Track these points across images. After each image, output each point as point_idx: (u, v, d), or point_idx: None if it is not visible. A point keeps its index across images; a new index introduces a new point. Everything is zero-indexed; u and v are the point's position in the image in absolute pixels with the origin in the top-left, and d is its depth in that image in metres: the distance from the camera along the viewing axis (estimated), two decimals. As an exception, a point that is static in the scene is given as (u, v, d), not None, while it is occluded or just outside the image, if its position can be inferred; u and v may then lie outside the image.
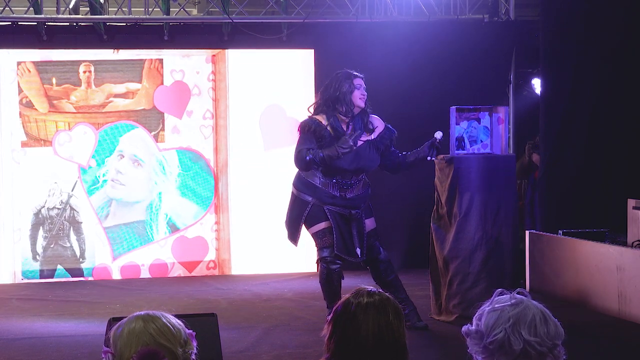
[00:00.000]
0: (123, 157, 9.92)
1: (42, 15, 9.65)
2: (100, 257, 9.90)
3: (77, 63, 9.86)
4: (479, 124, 7.62)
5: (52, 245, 9.82)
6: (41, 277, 9.76)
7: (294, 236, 7.14)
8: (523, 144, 11.66)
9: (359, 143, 6.87)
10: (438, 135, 7.08)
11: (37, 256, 9.79)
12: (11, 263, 9.73)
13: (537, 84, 11.04)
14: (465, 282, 7.38)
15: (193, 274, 10.05)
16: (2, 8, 9.62)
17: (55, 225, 9.81)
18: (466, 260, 7.37)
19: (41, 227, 9.81)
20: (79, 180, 9.84)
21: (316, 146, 6.84)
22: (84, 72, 9.85)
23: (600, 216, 8.97)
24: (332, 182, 6.93)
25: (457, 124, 7.55)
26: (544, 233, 8.92)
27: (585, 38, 9.29)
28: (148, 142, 9.98)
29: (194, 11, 12.34)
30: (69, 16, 9.83)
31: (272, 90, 10.14)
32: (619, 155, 9.19)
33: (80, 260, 9.87)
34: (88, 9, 9.85)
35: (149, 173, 9.99)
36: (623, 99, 9.19)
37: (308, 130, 6.89)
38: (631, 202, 7.91)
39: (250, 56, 10.13)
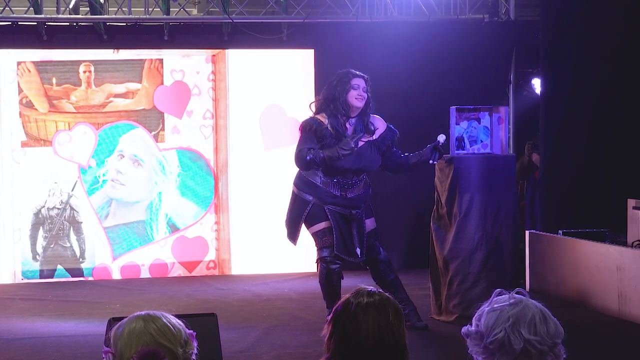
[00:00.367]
0: (123, 157, 9.92)
1: (42, 15, 9.65)
2: (100, 257, 9.90)
3: (77, 63, 9.86)
4: (479, 124, 7.62)
5: (52, 245, 9.82)
6: (41, 277, 9.76)
7: (293, 235, 7.14)
8: (523, 144, 11.65)
9: (360, 144, 6.87)
10: (441, 138, 7.06)
11: (37, 256, 9.79)
12: (11, 263, 9.73)
13: (537, 84, 11.04)
14: (465, 282, 7.38)
15: (193, 274, 10.05)
16: (2, 8, 9.62)
17: (55, 225, 9.81)
18: (466, 260, 7.37)
19: (41, 227, 9.81)
20: (79, 180, 9.84)
21: (317, 146, 6.84)
22: (84, 72, 9.85)
23: (600, 216, 8.97)
24: (333, 182, 6.93)
25: (457, 124, 7.55)
26: (544, 233, 8.92)
27: (585, 38, 9.29)
28: (148, 142, 9.98)
29: (194, 11, 12.34)
30: (69, 16, 9.83)
31: (272, 90, 10.14)
32: (619, 155, 9.19)
33: (80, 260, 9.87)
34: (88, 9, 9.85)
35: (149, 173, 9.99)
36: (623, 99, 9.19)
37: (309, 130, 6.89)
38: (631, 202, 7.91)
39: (250, 56, 10.13)
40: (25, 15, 9.73)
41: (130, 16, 9.88)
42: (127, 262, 9.93)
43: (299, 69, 10.20)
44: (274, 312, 7.97)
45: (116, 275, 9.91)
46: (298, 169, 7.02)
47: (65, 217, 9.83)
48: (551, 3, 9.63)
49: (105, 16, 9.86)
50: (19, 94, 9.74)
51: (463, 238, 7.38)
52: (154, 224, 9.98)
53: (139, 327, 2.61)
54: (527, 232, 9.08)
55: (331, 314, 2.83)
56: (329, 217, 6.91)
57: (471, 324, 2.56)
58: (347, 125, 6.93)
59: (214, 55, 10.11)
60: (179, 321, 2.68)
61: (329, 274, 6.91)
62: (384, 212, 8.96)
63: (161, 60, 10.00)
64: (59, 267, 9.81)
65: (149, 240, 9.99)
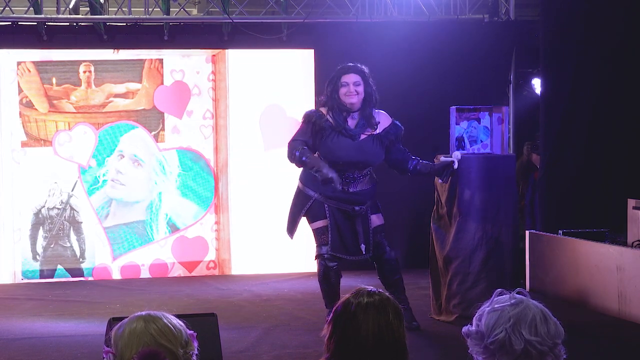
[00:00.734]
0: (123, 157, 9.92)
1: (42, 15, 9.65)
2: (100, 257, 9.90)
3: (77, 63, 9.86)
4: (479, 124, 7.62)
5: (52, 245, 9.82)
6: (41, 277, 9.77)
7: (291, 229, 7.14)
8: (523, 144, 11.67)
9: (363, 137, 6.86)
10: (456, 157, 6.97)
11: (37, 256, 9.79)
12: (11, 263, 9.73)
13: (537, 84, 11.05)
14: (465, 282, 7.38)
15: (193, 274, 10.05)
16: (2, 8, 9.62)
17: (55, 225, 9.81)
18: (466, 260, 7.37)
19: (41, 227, 9.81)
20: (79, 180, 9.84)
21: (311, 140, 6.82)
22: (84, 72, 9.85)
23: (600, 216, 8.97)
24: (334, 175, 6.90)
25: (457, 124, 7.55)
26: (544, 233, 8.92)
27: (585, 38, 9.29)
28: (148, 142, 9.98)
29: (194, 11, 12.35)
30: (69, 16, 9.83)
31: (272, 90, 10.15)
32: (619, 155, 9.19)
33: (80, 260, 9.87)
34: (88, 9, 9.85)
35: (149, 173, 9.99)
36: (623, 99, 9.19)
37: (308, 122, 6.88)
38: (631, 202, 7.91)
39: (250, 56, 10.13)
40: (25, 15, 9.73)
41: (130, 16, 9.88)
42: (127, 262, 9.94)
43: (299, 69, 10.20)
44: (274, 312, 7.97)
45: (116, 275, 9.91)
46: None
47: (65, 217, 9.83)
48: (551, 3, 9.63)
49: (105, 16, 9.86)
50: (19, 94, 9.74)
51: (463, 238, 7.38)
52: (154, 224, 9.98)
53: (139, 327, 2.61)
54: (527, 232, 9.08)
55: (331, 314, 2.83)
56: (327, 215, 6.89)
57: (471, 324, 2.56)
58: (350, 119, 6.88)
59: (214, 55, 10.11)
60: (179, 322, 2.67)
61: (326, 272, 6.91)
62: (384, 212, 8.94)
63: (161, 60, 10.01)
64: (59, 267, 9.81)
65: (149, 240, 9.99)
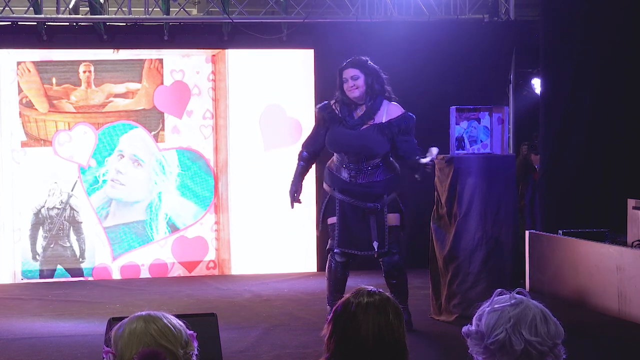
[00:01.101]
0: (123, 157, 9.92)
1: (42, 15, 9.65)
2: (100, 257, 9.90)
3: (77, 63, 9.86)
4: (479, 124, 7.62)
5: (52, 245, 9.82)
6: (41, 277, 9.76)
7: (317, 225, 7.44)
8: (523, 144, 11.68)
9: (364, 127, 6.91)
10: (431, 154, 6.76)
11: (37, 256, 9.79)
12: (11, 263, 9.73)
13: (537, 84, 11.05)
14: (465, 282, 7.38)
15: (193, 274, 10.05)
16: (2, 8, 9.62)
17: (55, 225, 9.81)
18: (466, 260, 7.37)
19: (41, 227, 9.81)
20: (79, 180, 9.84)
21: (320, 140, 7.07)
22: (84, 72, 9.85)
23: (600, 216, 8.97)
24: (343, 166, 6.97)
25: (457, 124, 7.55)
26: (544, 233, 8.92)
27: (585, 38, 9.30)
28: (148, 142, 9.98)
29: (194, 11, 12.35)
30: (69, 16, 9.83)
31: (272, 90, 10.14)
32: (619, 155, 9.19)
33: (80, 260, 9.87)
34: (88, 9, 9.85)
35: (148, 173, 9.99)
36: (623, 99, 9.19)
37: (317, 119, 7.20)
38: (631, 202, 7.91)
39: (250, 56, 10.13)
40: (25, 15, 9.73)
41: (130, 16, 9.88)
42: (127, 262, 9.93)
43: (299, 69, 10.20)
44: (274, 312, 7.97)
45: (116, 275, 9.91)
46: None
47: (65, 217, 9.83)
48: (551, 3, 9.63)
49: (105, 16, 9.86)
50: (19, 94, 9.74)
51: (463, 238, 7.38)
52: (154, 223, 9.98)
53: (139, 327, 2.60)
54: (527, 232, 9.08)
55: (331, 314, 2.83)
56: (336, 211, 6.95)
57: (471, 324, 2.56)
58: (357, 111, 6.97)
59: (213, 55, 10.11)
60: (179, 322, 2.67)
61: (332, 266, 7.02)
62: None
63: (161, 60, 10.00)
64: (59, 267, 9.81)
65: (149, 240, 9.99)
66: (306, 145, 7.23)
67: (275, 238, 10.06)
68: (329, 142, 7.02)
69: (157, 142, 9.99)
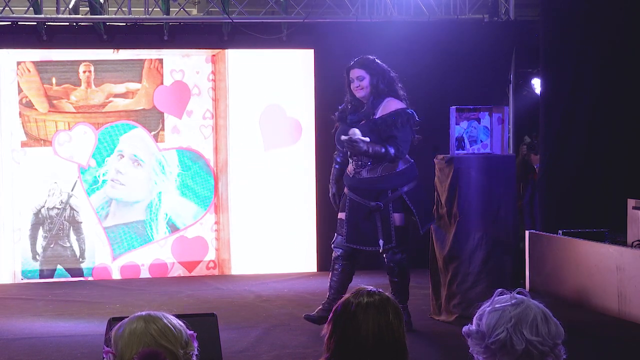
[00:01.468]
0: (123, 157, 9.92)
1: (42, 15, 9.65)
2: (100, 257, 9.90)
3: (77, 63, 9.86)
4: (479, 124, 7.62)
5: (52, 245, 9.82)
6: (41, 277, 9.76)
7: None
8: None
9: (361, 123, 7.00)
10: (352, 133, 6.87)
11: (37, 256, 9.79)
12: (11, 263, 9.73)
13: (537, 84, 11.05)
14: (465, 282, 7.37)
15: (193, 274, 10.05)
16: (2, 8, 9.62)
17: (55, 225, 9.81)
18: (466, 260, 7.37)
19: (41, 227, 9.81)
20: (79, 180, 9.84)
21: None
22: (84, 72, 9.85)
23: (600, 216, 8.97)
24: (350, 163, 7.11)
25: (457, 124, 7.55)
26: (544, 233, 8.92)
27: (585, 38, 9.30)
28: (148, 142, 9.98)
29: (194, 11, 12.34)
30: (68, 16, 9.83)
31: (272, 90, 10.14)
32: (619, 155, 9.19)
33: (80, 260, 9.86)
34: (88, 9, 9.85)
35: (148, 173, 9.98)
36: (623, 99, 9.19)
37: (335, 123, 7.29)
38: (631, 202, 7.91)
39: (250, 56, 10.13)
40: (25, 15, 9.73)
41: (130, 16, 9.87)
42: (127, 262, 9.93)
43: (299, 69, 10.20)
44: (274, 312, 7.97)
45: (116, 275, 9.90)
46: None
47: (65, 217, 9.83)
48: (551, 3, 9.63)
49: (105, 16, 9.86)
50: (18, 94, 9.74)
51: (463, 238, 7.38)
52: (154, 223, 9.98)
53: (139, 327, 2.60)
54: (527, 232, 9.08)
55: (331, 314, 2.83)
56: (346, 208, 7.06)
57: (472, 324, 2.56)
58: (364, 109, 7.09)
59: (213, 55, 10.11)
60: (179, 322, 2.67)
61: (334, 259, 7.16)
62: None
63: (161, 60, 10.00)
64: (59, 267, 9.80)
65: (149, 240, 9.99)
66: (335, 155, 7.40)
67: (275, 238, 10.06)
68: (336, 140, 7.16)
69: (157, 142, 9.99)
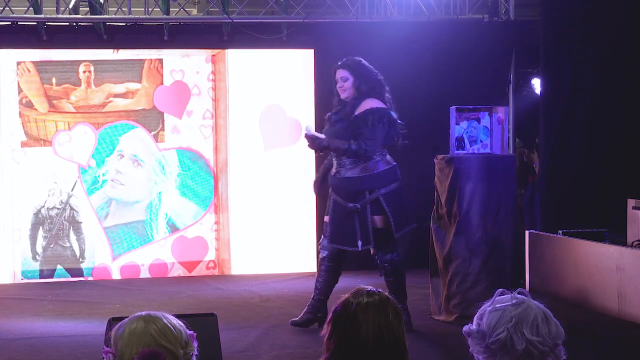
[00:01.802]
0: (123, 157, 9.92)
1: (42, 15, 9.65)
2: (100, 257, 9.89)
3: (77, 63, 9.86)
4: (479, 124, 7.62)
5: (51, 245, 9.82)
6: (41, 277, 9.76)
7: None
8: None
9: (340, 123, 7.09)
10: (307, 129, 7.29)
11: (37, 256, 9.79)
12: (11, 263, 9.73)
13: (537, 84, 11.04)
14: (465, 282, 7.37)
15: (193, 274, 10.05)
16: (2, 8, 9.61)
17: (55, 225, 9.81)
18: (466, 260, 7.37)
19: (41, 227, 9.80)
20: (79, 180, 9.84)
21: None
22: (84, 72, 9.85)
23: (600, 216, 8.97)
24: (333, 162, 7.17)
25: (457, 124, 7.55)
26: (544, 233, 8.92)
27: (585, 38, 9.29)
28: (148, 142, 9.98)
29: (194, 11, 12.34)
30: (68, 16, 9.83)
31: (272, 90, 10.14)
32: (619, 155, 9.19)
33: (80, 260, 9.86)
34: (88, 9, 9.85)
35: (148, 173, 9.98)
36: (623, 99, 9.19)
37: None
38: (631, 202, 7.91)
39: (250, 56, 10.13)
40: (25, 15, 9.73)
41: (130, 16, 9.87)
42: (127, 262, 9.93)
43: (299, 69, 10.20)
44: (274, 312, 7.96)
45: (116, 275, 9.90)
46: None
47: (65, 217, 9.83)
48: (551, 3, 9.63)
49: (105, 16, 9.85)
50: (18, 94, 9.74)
51: (463, 238, 7.38)
52: (154, 223, 9.98)
53: (139, 327, 2.60)
54: (527, 232, 9.07)
55: (331, 314, 2.83)
56: (329, 210, 7.13)
57: (472, 323, 2.56)
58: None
59: (213, 55, 10.11)
60: (179, 322, 2.67)
61: (319, 261, 7.25)
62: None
63: (161, 60, 10.00)
64: (59, 267, 9.80)
65: (149, 240, 9.99)
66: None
67: (275, 238, 10.05)
68: None
69: (157, 142, 9.99)
